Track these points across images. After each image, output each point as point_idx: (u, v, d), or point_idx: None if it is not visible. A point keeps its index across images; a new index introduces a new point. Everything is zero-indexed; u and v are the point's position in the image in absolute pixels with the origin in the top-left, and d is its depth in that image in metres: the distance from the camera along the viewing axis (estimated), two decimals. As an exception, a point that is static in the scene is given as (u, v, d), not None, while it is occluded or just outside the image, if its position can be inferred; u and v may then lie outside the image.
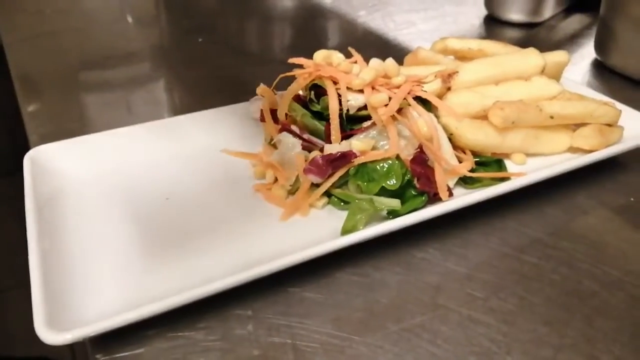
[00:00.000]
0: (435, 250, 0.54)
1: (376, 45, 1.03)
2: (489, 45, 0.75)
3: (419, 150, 0.55)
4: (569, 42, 1.04)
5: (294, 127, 0.61)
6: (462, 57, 0.76)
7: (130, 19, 1.24)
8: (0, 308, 1.95)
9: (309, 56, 0.63)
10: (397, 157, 0.54)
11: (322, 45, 1.05)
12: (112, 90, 0.90)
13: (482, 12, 1.16)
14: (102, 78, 0.95)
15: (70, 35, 1.10)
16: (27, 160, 0.60)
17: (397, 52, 1.01)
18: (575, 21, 1.12)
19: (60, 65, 0.98)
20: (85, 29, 1.14)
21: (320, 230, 0.54)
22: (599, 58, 0.95)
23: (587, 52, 0.99)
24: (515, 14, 1.08)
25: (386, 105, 0.56)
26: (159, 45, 1.11)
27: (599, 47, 0.94)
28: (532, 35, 1.07)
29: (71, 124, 0.77)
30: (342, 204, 0.56)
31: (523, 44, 1.04)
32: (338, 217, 0.56)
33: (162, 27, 1.24)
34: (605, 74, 0.92)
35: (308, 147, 0.59)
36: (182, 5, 1.32)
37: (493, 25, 1.11)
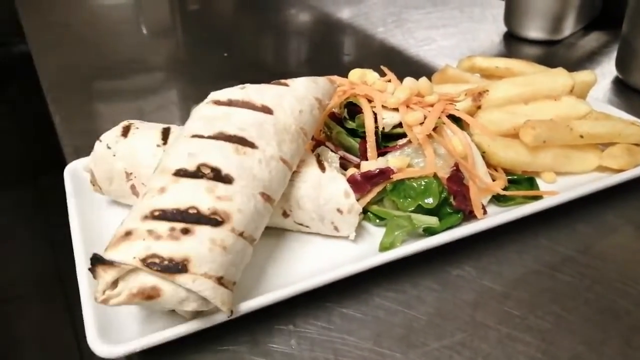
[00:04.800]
0: (471, 267, 0.55)
1: (399, 61, 1.05)
2: (516, 64, 0.76)
3: (455, 168, 0.56)
4: (589, 60, 1.05)
5: (328, 144, 0.62)
6: (489, 75, 0.78)
7: (145, 30, 1.28)
8: (10, 317, 1.96)
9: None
10: (435, 175, 0.55)
11: (345, 61, 1.07)
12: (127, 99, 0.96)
13: (502, 29, 1.18)
14: (116, 87, 0.99)
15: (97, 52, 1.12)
16: (67, 173, 0.61)
17: (420, 68, 1.02)
18: (594, 39, 1.13)
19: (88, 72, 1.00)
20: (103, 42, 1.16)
21: (356, 246, 0.55)
22: (620, 76, 0.95)
23: (607, 70, 1.00)
24: (535, 32, 1.10)
25: (421, 123, 0.57)
26: (177, 58, 1.13)
27: (621, 65, 0.95)
28: (551, 52, 1.08)
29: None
30: (377, 220, 0.57)
31: (543, 61, 1.05)
32: (372, 233, 0.57)
33: (178, 40, 1.26)
34: (627, 91, 0.93)
35: (343, 164, 0.60)
36: (199, 19, 1.34)
37: (513, 43, 1.13)
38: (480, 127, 0.60)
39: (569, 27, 1.10)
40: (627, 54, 0.92)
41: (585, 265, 0.56)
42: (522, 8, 1.09)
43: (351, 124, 0.61)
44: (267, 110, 0.49)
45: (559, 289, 0.53)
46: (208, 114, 0.48)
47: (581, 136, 0.64)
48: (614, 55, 0.99)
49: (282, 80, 0.53)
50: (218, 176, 0.44)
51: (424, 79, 0.61)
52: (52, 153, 0.97)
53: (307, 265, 0.52)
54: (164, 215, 0.41)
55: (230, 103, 0.49)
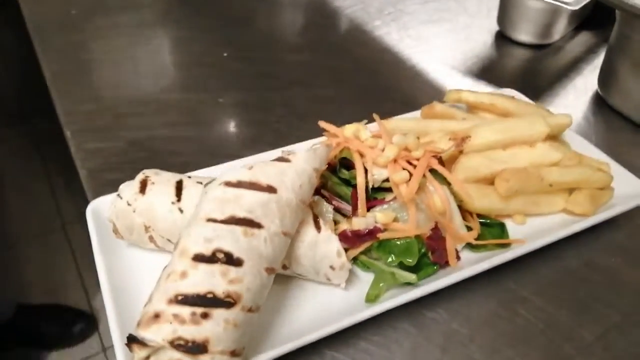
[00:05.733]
0: (443, 310, 0.64)
1: (392, 63, 1.08)
2: (500, 100, 0.81)
3: (434, 227, 0.64)
4: (573, 69, 1.09)
5: (323, 192, 0.69)
6: (475, 107, 0.83)
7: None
8: (15, 261, 2.07)
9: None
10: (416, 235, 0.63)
11: (342, 63, 1.10)
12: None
13: (494, 25, 1.21)
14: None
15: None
16: (89, 212, 0.68)
17: (411, 78, 1.06)
18: (583, 42, 1.17)
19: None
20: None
21: (346, 291, 0.64)
22: (600, 93, 1.01)
23: (590, 83, 1.05)
24: (525, 36, 1.13)
25: (407, 181, 0.65)
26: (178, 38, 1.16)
27: (602, 84, 1.00)
28: (539, 57, 1.12)
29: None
30: (365, 267, 0.65)
31: (530, 66, 1.10)
32: (360, 277, 0.65)
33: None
34: (606, 110, 0.98)
35: (337, 209, 0.67)
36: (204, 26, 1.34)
37: (503, 45, 1.16)
38: (459, 186, 0.67)
39: (558, 33, 1.13)
40: (608, 76, 0.97)
41: (542, 310, 0.65)
42: (514, 13, 1.12)
43: (345, 174, 0.67)
44: (271, 189, 0.56)
45: (516, 332, 0.63)
46: (220, 196, 0.55)
47: (550, 185, 0.71)
48: (598, 64, 1.03)
49: (285, 156, 0.59)
50: (230, 260, 0.51)
51: (411, 137, 0.68)
52: (43, 96, 1.02)
53: (304, 308, 0.62)
54: (185, 300, 0.49)
55: (239, 185, 0.55)
